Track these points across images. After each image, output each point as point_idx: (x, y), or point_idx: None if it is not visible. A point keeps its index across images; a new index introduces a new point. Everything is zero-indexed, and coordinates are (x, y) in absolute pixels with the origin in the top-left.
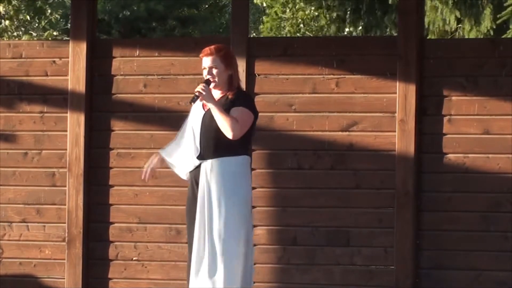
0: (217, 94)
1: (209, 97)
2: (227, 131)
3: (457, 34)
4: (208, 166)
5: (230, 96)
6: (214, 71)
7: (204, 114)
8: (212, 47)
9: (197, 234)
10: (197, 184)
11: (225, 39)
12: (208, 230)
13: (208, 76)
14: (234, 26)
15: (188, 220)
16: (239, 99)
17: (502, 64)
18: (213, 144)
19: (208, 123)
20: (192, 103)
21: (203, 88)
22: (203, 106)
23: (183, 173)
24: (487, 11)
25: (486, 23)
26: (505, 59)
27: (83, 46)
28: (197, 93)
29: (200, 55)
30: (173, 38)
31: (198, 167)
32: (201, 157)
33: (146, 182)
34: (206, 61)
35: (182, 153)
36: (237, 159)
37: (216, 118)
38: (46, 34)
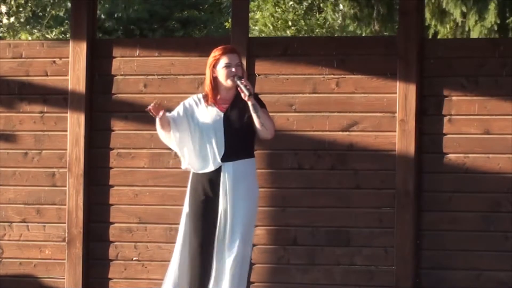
0: (229, 94)
1: (253, 95)
2: (270, 130)
3: (459, 31)
4: (230, 168)
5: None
6: (241, 67)
7: (225, 115)
8: (233, 46)
9: (221, 238)
10: (211, 185)
11: (225, 39)
12: (230, 232)
13: (236, 73)
14: (234, 26)
15: (196, 218)
16: (259, 101)
17: (503, 64)
18: (238, 146)
19: (233, 124)
20: (250, 97)
21: (247, 83)
22: (219, 108)
23: (201, 168)
24: (492, 6)
25: (491, 18)
26: (505, 59)
27: (83, 46)
28: (250, 89)
29: (221, 52)
30: (174, 38)
31: (217, 169)
32: (225, 158)
33: (148, 109)
34: (232, 58)
35: (199, 153)
36: (252, 161)
37: (257, 117)
38: (55, 31)
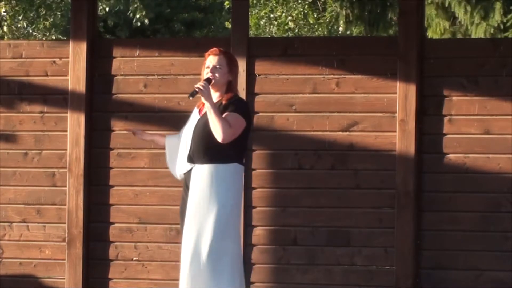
0: (214, 96)
1: (208, 96)
2: (218, 133)
3: (460, 31)
4: (197, 171)
5: (224, 102)
6: (218, 70)
7: (199, 119)
8: (221, 48)
9: (185, 237)
10: (187, 187)
11: (225, 39)
12: (192, 234)
13: (210, 74)
14: (234, 26)
15: (181, 221)
16: (233, 104)
17: (503, 64)
18: (203, 149)
19: (201, 127)
20: (191, 98)
21: (203, 85)
22: (200, 111)
23: (177, 173)
24: (498, 6)
25: (497, 17)
26: (505, 59)
27: (83, 46)
28: (196, 89)
29: (207, 52)
30: (174, 38)
31: (190, 171)
32: (191, 161)
33: (130, 131)
34: (212, 60)
35: (180, 154)
36: (227, 167)
37: (210, 119)
38: (47, 36)
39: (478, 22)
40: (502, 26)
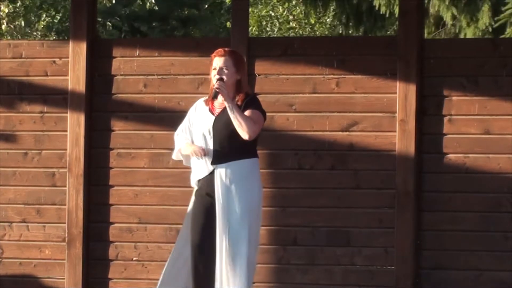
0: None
1: (228, 95)
2: (245, 131)
3: (451, 30)
4: (223, 171)
5: (239, 102)
6: (225, 71)
7: (215, 119)
8: (226, 49)
9: (220, 240)
10: (210, 188)
11: (225, 39)
12: (228, 233)
13: (217, 77)
14: (234, 26)
15: (194, 220)
16: (251, 101)
17: (503, 64)
18: (227, 148)
19: (221, 127)
20: (215, 99)
21: (220, 84)
22: (212, 111)
23: (197, 178)
24: (485, 8)
25: (484, 20)
26: (505, 59)
27: (83, 46)
28: (217, 90)
29: (212, 54)
30: (174, 38)
31: (210, 173)
32: (215, 162)
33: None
34: (218, 61)
35: (194, 160)
36: (250, 161)
37: (234, 118)
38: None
39: (465, 26)
40: (490, 29)
